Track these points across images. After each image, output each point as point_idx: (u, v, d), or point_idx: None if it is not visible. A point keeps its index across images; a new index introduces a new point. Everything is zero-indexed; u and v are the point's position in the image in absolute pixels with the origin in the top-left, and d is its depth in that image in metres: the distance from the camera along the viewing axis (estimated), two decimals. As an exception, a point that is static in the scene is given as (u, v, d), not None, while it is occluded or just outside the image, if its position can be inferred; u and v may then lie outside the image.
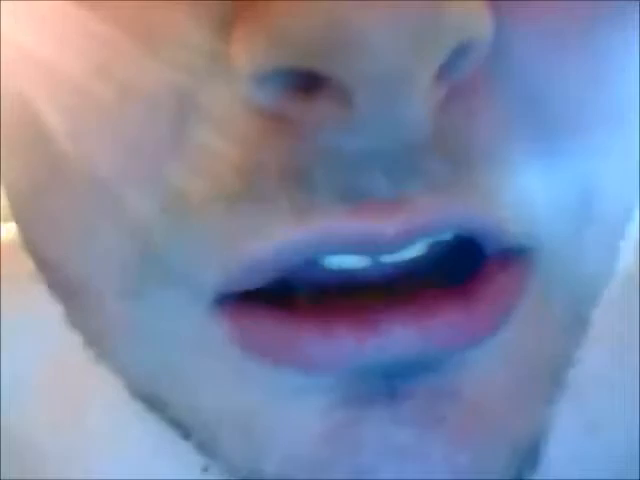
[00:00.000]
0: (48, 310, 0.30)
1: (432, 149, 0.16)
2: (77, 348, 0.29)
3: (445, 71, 0.15)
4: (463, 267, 0.18)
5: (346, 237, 0.16)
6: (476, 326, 0.17)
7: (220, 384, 0.18)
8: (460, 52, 0.15)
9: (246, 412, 0.18)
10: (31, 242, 0.21)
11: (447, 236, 0.17)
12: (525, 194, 0.17)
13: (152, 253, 0.17)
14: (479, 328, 0.17)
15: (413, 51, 0.14)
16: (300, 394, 0.18)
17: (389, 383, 0.17)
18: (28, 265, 0.29)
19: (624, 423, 0.29)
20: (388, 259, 0.17)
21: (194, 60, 0.15)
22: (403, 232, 0.16)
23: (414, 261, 0.17)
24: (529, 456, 0.19)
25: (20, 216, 0.21)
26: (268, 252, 0.16)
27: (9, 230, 0.33)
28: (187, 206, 0.16)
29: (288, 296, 0.18)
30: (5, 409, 0.30)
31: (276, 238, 0.16)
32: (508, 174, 0.16)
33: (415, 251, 0.17)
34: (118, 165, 0.17)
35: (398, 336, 0.17)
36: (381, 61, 0.14)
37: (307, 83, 0.15)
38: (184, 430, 0.20)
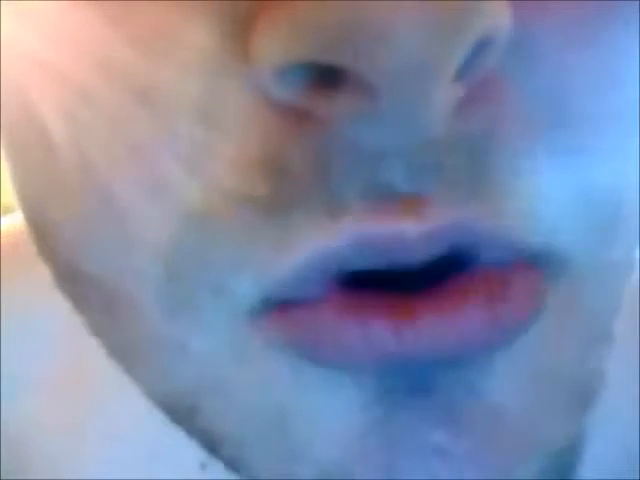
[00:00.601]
0: (48, 310, 0.30)
1: (451, 147, 0.16)
2: (77, 348, 0.29)
3: (464, 68, 0.15)
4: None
5: (373, 241, 0.16)
6: (501, 325, 0.17)
7: (257, 389, 0.18)
8: (479, 48, 0.15)
9: (282, 415, 0.18)
10: (54, 253, 0.20)
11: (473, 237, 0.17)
12: (546, 199, 0.17)
13: (178, 268, 0.17)
14: (504, 327, 0.17)
15: (437, 45, 0.14)
16: (336, 392, 0.17)
17: (422, 380, 0.17)
18: (28, 264, 0.29)
19: (630, 420, 0.29)
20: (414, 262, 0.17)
21: (210, 59, 0.15)
22: (425, 234, 0.16)
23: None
24: (559, 471, 0.19)
25: (41, 228, 0.21)
26: (301, 262, 0.16)
27: (9, 228, 0.33)
28: (212, 215, 0.16)
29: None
30: (5, 409, 0.30)
31: (307, 247, 0.16)
32: (528, 176, 0.16)
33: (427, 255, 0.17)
34: (131, 174, 0.17)
35: (433, 327, 0.17)
36: (405, 55, 0.14)
37: (328, 77, 0.15)
38: (213, 442, 0.20)
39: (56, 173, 0.18)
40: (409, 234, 0.16)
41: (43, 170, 0.19)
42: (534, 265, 0.17)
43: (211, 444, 0.19)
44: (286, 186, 0.16)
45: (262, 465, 0.19)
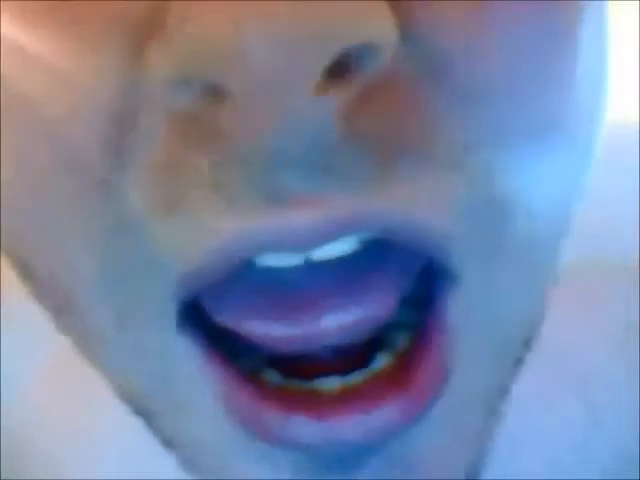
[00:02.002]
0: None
1: (346, 148, 0.16)
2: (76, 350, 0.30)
3: (347, 71, 0.15)
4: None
5: (266, 235, 0.17)
6: (413, 408, 0.19)
7: (191, 412, 0.20)
8: (363, 53, 0.15)
9: (213, 452, 0.20)
10: (16, 255, 0.21)
11: (372, 234, 0.18)
12: (444, 197, 0.17)
13: (116, 269, 0.18)
14: (416, 408, 0.19)
15: (287, 60, 0.14)
16: (263, 458, 0.19)
17: (342, 460, 0.19)
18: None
19: (629, 419, 0.28)
20: (317, 256, 0.18)
21: (114, 67, 0.16)
22: (316, 226, 0.17)
23: (347, 260, 0.18)
24: None
25: (5, 233, 0.21)
26: (213, 249, 0.17)
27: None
28: (133, 218, 0.17)
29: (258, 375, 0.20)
30: (5, 409, 0.30)
31: (217, 237, 0.17)
32: (429, 173, 0.17)
33: (343, 248, 0.18)
34: (63, 179, 0.17)
35: (346, 421, 0.19)
36: (256, 71, 0.14)
37: (213, 90, 0.15)
38: (166, 441, 0.21)
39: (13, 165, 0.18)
40: (301, 228, 0.16)
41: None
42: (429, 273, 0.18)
43: (164, 442, 0.21)
44: (188, 190, 0.17)
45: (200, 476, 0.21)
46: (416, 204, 0.17)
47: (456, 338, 0.19)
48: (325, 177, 0.16)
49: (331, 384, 0.19)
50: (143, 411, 0.21)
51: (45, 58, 0.16)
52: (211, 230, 0.17)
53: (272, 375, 0.20)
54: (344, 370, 0.19)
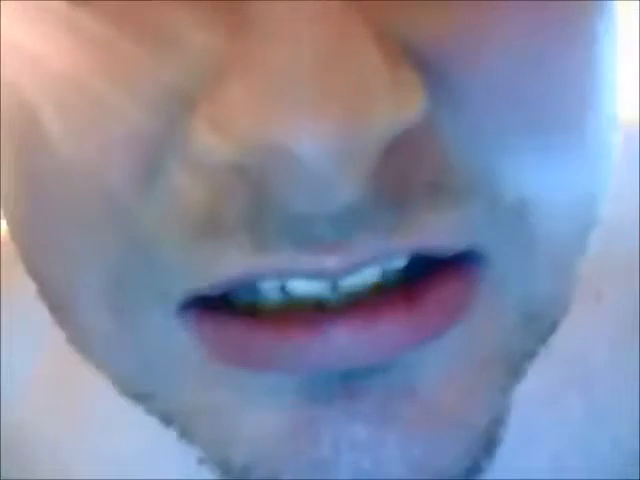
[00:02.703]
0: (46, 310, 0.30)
1: (370, 203, 0.17)
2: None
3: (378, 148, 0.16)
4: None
5: (297, 271, 0.18)
6: (418, 329, 0.18)
7: (191, 384, 0.20)
8: (394, 133, 0.16)
9: (215, 408, 0.20)
10: (19, 248, 0.21)
11: (397, 264, 0.19)
12: (467, 220, 0.18)
13: (131, 272, 0.19)
14: (422, 331, 0.18)
15: (335, 164, 0.15)
16: (263, 394, 0.19)
17: (345, 384, 0.19)
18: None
19: (631, 417, 0.29)
20: (346, 284, 0.18)
21: (164, 117, 0.17)
22: (346, 267, 0.17)
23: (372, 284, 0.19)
24: (486, 446, 0.20)
25: (10, 222, 0.22)
26: (229, 279, 0.18)
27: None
28: (160, 232, 0.18)
29: (252, 305, 0.19)
30: (5, 408, 0.30)
31: (236, 269, 0.18)
32: (449, 203, 0.18)
33: (369, 277, 0.19)
34: (92, 190, 0.18)
35: (343, 337, 0.18)
36: (307, 174, 0.15)
37: None
38: (167, 419, 0.21)
39: (23, 170, 0.19)
40: (330, 268, 0.17)
41: (9, 165, 0.20)
42: (462, 266, 0.19)
43: (165, 421, 0.21)
44: (219, 220, 0.17)
45: (203, 443, 0.21)
46: (439, 234, 0.18)
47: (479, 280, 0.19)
48: (353, 228, 0.17)
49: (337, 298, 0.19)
50: (141, 396, 0.21)
51: (91, 87, 0.17)
52: (233, 261, 0.17)
53: (270, 291, 0.19)
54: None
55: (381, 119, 0.15)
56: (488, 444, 0.21)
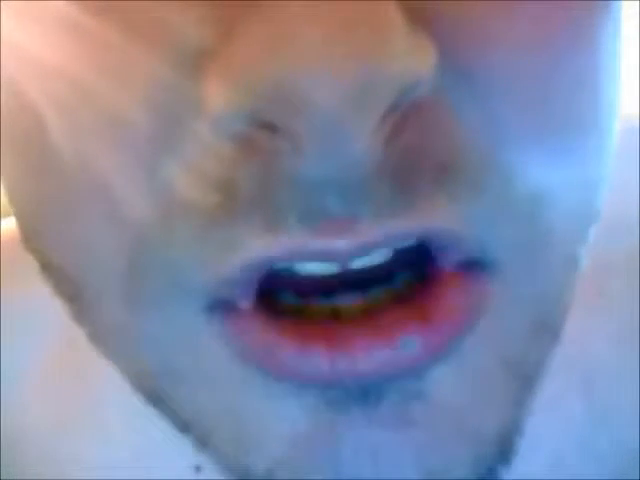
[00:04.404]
0: (47, 307, 0.30)
1: (380, 175, 0.17)
2: (75, 347, 0.30)
3: (391, 108, 0.16)
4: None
5: (308, 253, 0.17)
6: (432, 344, 0.18)
7: (214, 384, 0.19)
8: (404, 90, 0.16)
9: (237, 411, 0.20)
10: (33, 243, 0.21)
11: (409, 242, 0.18)
12: (479, 207, 0.18)
13: (145, 261, 0.18)
14: (435, 346, 0.18)
15: (352, 106, 0.15)
16: (287, 395, 0.19)
17: (362, 389, 0.19)
18: (28, 260, 0.29)
19: (632, 416, 0.29)
20: (355, 265, 0.18)
21: (167, 89, 0.17)
22: (354, 248, 0.17)
23: (382, 266, 0.19)
24: (501, 453, 0.21)
25: (22, 218, 0.22)
26: (245, 264, 0.18)
27: (9, 225, 0.33)
28: (173, 220, 0.18)
29: (274, 299, 0.19)
30: (5, 408, 0.30)
31: (250, 253, 0.17)
32: (459, 191, 0.17)
33: (379, 257, 0.19)
34: (109, 171, 0.18)
35: (367, 355, 0.18)
36: (320, 116, 0.15)
37: (273, 123, 0.16)
38: (183, 424, 0.21)
39: (36, 166, 0.19)
40: (340, 250, 0.17)
41: (24, 163, 0.19)
42: (468, 273, 0.19)
43: (181, 426, 0.21)
44: (232, 202, 0.17)
45: (224, 450, 0.20)
46: (449, 219, 0.18)
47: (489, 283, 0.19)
48: (361, 201, 0.17)
49: (351, 300, 0.19)
50: (158, 396, 0.21)
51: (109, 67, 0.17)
52: (246, 246, 0.17)
53: (288, 297, 0.19)
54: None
55: (396, 64, 0.15)
56: (503, 451, 0.21)
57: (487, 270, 0.19)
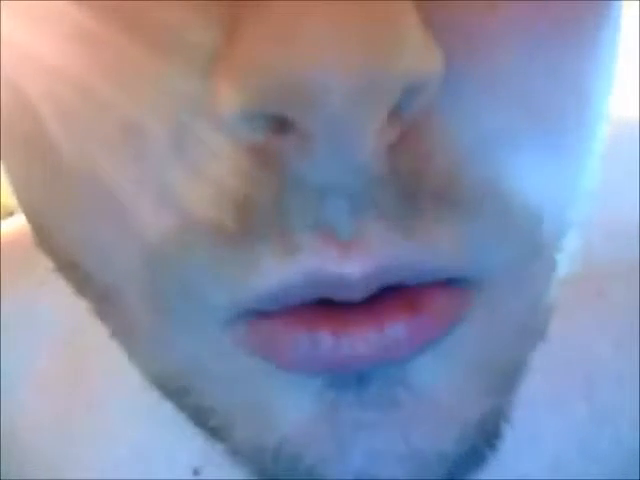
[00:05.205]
0: (48, 308, 0.30)
1: (384, 184, 0.17)
2: (75, 347, 0.30)
3: (397, 110, 0.16)
4: None
5: (320, 281, 0.18)
6: (418, 334, 0.19)
7: (232, 380, 0.20)
8: (411, 92, 0.16)
9: (254, 399, 0.20)
10: (55, 247, 0.21)
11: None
12: (474, 229, 0.18)
13: (163, 275, 0.19)
14: (420, 335, 0.19)
15: (360, 100, 0.15)
16: (294, 385, 0.20)
17: (357, 374, 0.20)
18: (28, 261, 0.29)
19: (633, 417, 0.29)
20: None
21: (178, 95, 0.17)
22: (364, 276, 0.18)
23: None
24: (484, 434, 0.21)
25: (33, 220, 0.21)
26: (264, 290, 0.18)
27: (9, 225, 0.33)
28: (189, 236, 0.18)
29: None
30: (5, 409, 0.30)
31: (269, 278, 0.18)
32: (455, 213, 0.18)
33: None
34: (116, 180, 0.18)
35: (364, 336, 0.19)
36: (330, 110, 0.15)
37: (281, 121, 0.16)
38: (202, 415, 0.21)
39: (56, 173, 0.19)
40: (351, 277, 0.18)
41: (43, 170, 0.19)
42: (454, 285, 0.19)
43: (200, 417, 0.21)
44: (250, 222, 0.17)
45: (240, 434, 0.21)
46: (446, 245, 0.18)
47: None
48: (367, 210, 0.17)
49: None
50: (178, 392, 0.21)
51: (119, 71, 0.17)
52: (264, 269, 0.17)
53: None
54: None
55: (407, 60, 0.15)
56: (487, 432, 0.21)
57: (475, 287, 0.19)
